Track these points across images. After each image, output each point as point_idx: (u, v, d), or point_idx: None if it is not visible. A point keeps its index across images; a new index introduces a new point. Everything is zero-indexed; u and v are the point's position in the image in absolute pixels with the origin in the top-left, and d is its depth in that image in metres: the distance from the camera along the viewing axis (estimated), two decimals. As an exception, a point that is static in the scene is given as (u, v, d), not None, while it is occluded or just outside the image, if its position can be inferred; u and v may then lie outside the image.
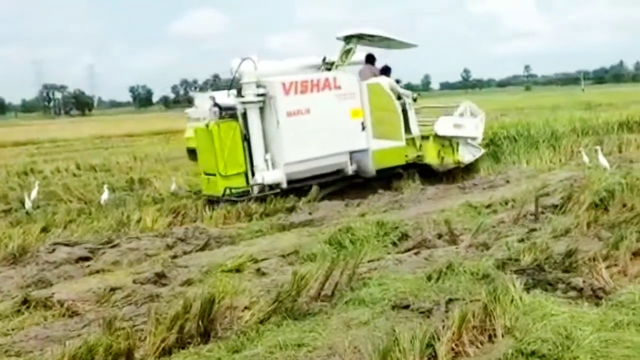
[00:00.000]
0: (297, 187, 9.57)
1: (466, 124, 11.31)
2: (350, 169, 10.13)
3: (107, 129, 39.80)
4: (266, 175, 9.33)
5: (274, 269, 5.99)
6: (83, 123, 61.84)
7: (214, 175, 9.37)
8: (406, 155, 10.73)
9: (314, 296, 4.77)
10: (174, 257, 6.75)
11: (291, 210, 9.00)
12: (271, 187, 9.38)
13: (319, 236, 7.07)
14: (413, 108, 11.00)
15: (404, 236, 6.84)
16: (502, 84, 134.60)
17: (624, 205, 7.77)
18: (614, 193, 8.08)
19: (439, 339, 3.75)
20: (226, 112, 9.58)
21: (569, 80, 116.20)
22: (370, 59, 11.07)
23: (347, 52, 10.33)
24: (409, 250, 6.39)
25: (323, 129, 9.59)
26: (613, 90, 61.64)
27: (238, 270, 5.98)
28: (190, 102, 12.11)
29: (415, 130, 10.92)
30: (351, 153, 10.10)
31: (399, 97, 10.74)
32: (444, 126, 11.16)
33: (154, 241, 7.27)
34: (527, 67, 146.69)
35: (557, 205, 8.11)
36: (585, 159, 11.61)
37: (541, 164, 12.51)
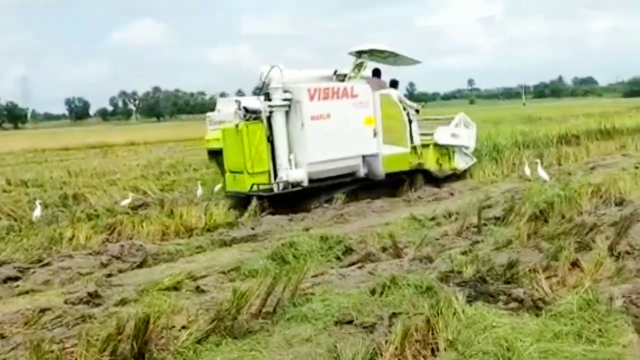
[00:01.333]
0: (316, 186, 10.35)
1: (461, 134, 12.46)
2: (362, 172, 10.95)
3: (41, 142, 38.44)
4: (290, 173, 9.99)
5: (214, 286, 5.88)
6: (15, 136, 59.67)
7: (241, 173, 9.99)
8: (410, 162, 11.64)
9: (255, 313, 4.70)
10: (109, 275, 6.55)
11: (233, 225, 8.91)
12: (293, 185, 10.04)
13: (261, 251, 7.01)
14: (416, 119, 11.88)
15: (348, 250, 6.86)
16: (447, 98, 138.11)
17: (563, 217, 8.07)
18: (554, 205, 8.40)
19: (381, 354, 3.76)
20: (251, 115, 10.19)
21: (511, 94, 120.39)
22: (377, 73, 11.96)
23: (359, 66, 11.37)
24: (353, 264, 6.40)
25: (341, 133, 10.42)
26: (553, 105, 64.24)
27: (176, 288, 5.82)
28: (211, 108, 13.30)
29: (417, 139, 11.79)
30: (364, 157, 10.93)
31: (404, 108, 11.64)
32: (442, 135, 12.20)
33: (87, 259, 7.04)
34: (470, 81, 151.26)
35: (499, 217, 8.34)
36: (527, 171, 12.02)
37: (484, 177, 12.84)
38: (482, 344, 3.88)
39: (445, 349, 3.95)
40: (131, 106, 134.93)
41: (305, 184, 10.13)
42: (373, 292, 5.03)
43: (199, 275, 6.22)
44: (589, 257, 5.78)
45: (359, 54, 11.36)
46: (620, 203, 9.04)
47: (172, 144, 32.68)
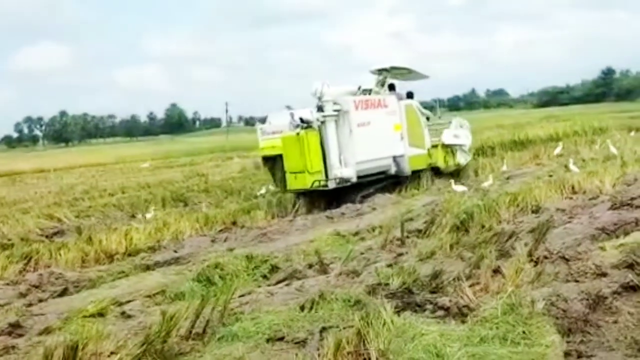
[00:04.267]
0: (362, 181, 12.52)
1: (461, 134, 14.95)
2: (393, 170, 13.27)
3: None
4: (342, 171, 12.14)
5: (140, 311, 5.79)
6: None
7: (303, 172, 12.08)
8: (427, 161, 14.10)
9: (185, 335, 4.67)
10: (29, 305, 6.34)
11: (155, 249, 8.78)
12: (345, 180, 12.15)
13: (186, 274, 6.96)
14: (427, 125, 14.29)
15: (275, 268, 6.92)
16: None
17: (483, 226, 8.49)
18: (473, 215, 8.81)
19: (315, 368, 3.84)
20: (303, 124, 12.25)
21: (426, 107, 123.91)
22: (392, 87, 14.21)
23: (382, 82, 13.90)
24: (280, 282, 6.48)
25: (378, 137, 12.76)
26: (467, 117, 66.90)
27: (101, 314, 5.70)
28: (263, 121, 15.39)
29: (428, 142, 14.19)
30: (394, 157, 13.25)
31: (422, 116, 14.14)
32: (448, 137, 14.63)
33: (4, 290, 6.84)
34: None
35: (421, 230, 8.66)
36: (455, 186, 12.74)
37: (405, 191, 13.25)
38: (413, 351, 4.05)
39: (377, 359, 4.09)
40: (37, 132, 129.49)
41: (354, 180, 12.29)
42: (302, 308, 5.12)
43: (124, 301, 6.13)
44: (509, 264, 6.09)
45: (380, 71, 13.88)
46: (536, 210, 9.62)
47: (83, 169, 31.65)
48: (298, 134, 12.22)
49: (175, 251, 8.62)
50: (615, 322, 4.72)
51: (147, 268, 7.81)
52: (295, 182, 12.35)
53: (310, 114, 12.34)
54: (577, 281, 5.62)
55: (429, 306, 5.23)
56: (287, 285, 6.24)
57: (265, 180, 15.86)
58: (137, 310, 5.80)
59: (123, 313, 5.72)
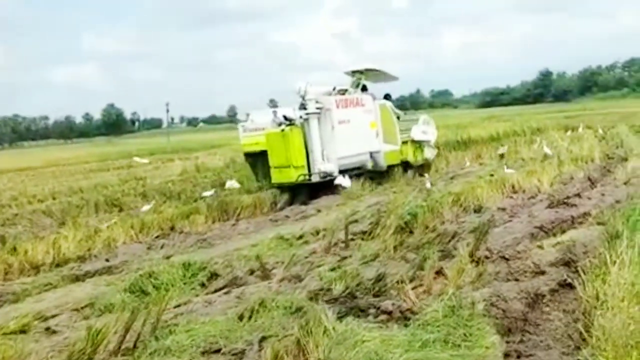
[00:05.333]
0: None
1: (428, 130, 16.30)
2: (369, 165, 14.36)
3: None
4: (324, 166, 12.98)
5: (66, 326, 5.53)
6: None
7: (288, 167, 12.89)
8: (399, 157, 15.31)
9: (114, 351, 4.49)
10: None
11: (85, 258, 8.46)
12: (326, 175, 12.95)
13: (118, 284, 6.72)
14: (398, 123, 15.48)
15: (214, 275, 6.76)
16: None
17: (427, 227, 8.58)
18: (417, 216, 8.89)
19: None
20: (287, 122, 13.01)
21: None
22: (364, 88, 15.20)
23: (356, 83, 14.95)
24: (219, 290, 6.33)
25: (356, 134, 13.77)
26: (413, 118, 67.78)
27: (23, 331, 5.42)
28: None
29: (400, 138, 15.35)
30: (371, 153, 14.35)
31: (393, 115, 15.39)
32: (416, 133, 15.87)
33: None
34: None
35: (366, 231, 8.66)
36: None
37: (350, 192, 13.26)
38: (354, 359, 4.00)
39: (317, 369, 4.03)
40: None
41: (336, 174, 13.09)
42: (241, 317, 5.01)
43: (49, 315, 5.85)
44: (452, 265, 6.18)
45: (355, 73, 15.03)
46: (478, 210, 9.80)
47: (12, 174, 30.33)
48: (283, 130, 12.99)
49: (107, 260, 8.33)
50: (553, 319, 4.81)
51: (76, 279, 7.51)
52: (280, 177, 13.13)
53: (293, 112, 13.24)
54: (516, 280, 5.74)
55: (372, 310, 5.20)
56: (226, 293, 6.11)
57: (212, 182, 15.98)
58: (63, 325, 5.54)
59: (48, 329, 5.46)
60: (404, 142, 15.56)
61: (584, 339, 4.12)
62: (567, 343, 4.32)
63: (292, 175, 12.88)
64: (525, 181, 11.57)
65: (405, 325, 4.73)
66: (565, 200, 9.26)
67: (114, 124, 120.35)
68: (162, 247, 9.11)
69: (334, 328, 4.46)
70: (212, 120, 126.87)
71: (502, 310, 4.88)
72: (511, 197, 10.77)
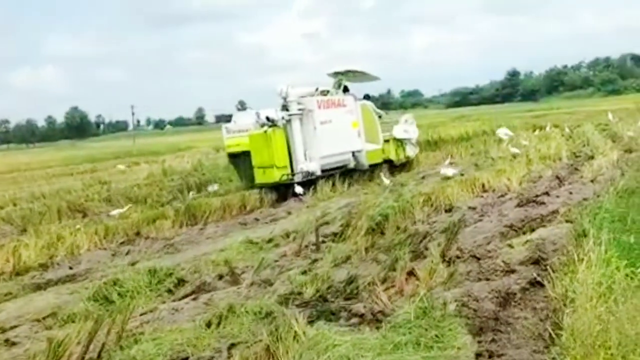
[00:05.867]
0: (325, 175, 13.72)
1: (409, 129, 16.94)
2: (352, 164, 14.76)
3: None
4: (307, 165, 13.35)
5: (27, 337, 5.39)
6: None
7: (271, 167, 13.23)
8: (382, 155, 15.81)
9: (77, 363, 4.37)
10: None
11: (47, 266, 8.26)
12: (309, 174, 13.30)
13: (81, 293, 6.58)
14: (379, 123, 16.10)
15: (181, 282, 6.67)
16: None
17: (398, 227, 8.61)
18: (389, 216, 8.91)
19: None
20: (270, 123, 13.35)
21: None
22: (346, 89, 15.59)
23: (338, 84, 15.34)
24: (186, 296, 6.24)
25: (338, 134, 14.15)
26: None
27: (-20, 344, 5.26)
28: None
29: (382, 138, 15.89)
30: (353, 152, 14.73)
31: (375, 115, 16.03)
32: (398, 131, 16.53)
33: None
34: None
35: (337, 233, 8.66)
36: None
37: (321, 193, 13.24)
38: (324, 364, 3.96)
39: (287, 375, 3.98)
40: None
41: (318, 173, 13.51)
42: (209, 324, 4.94)
43: (9, 326, 5.72)
44: (423, 265, 6.20)
45: (337, 74, 15.43)
46: (449, 210, 9.87)
47: (-29, 181, 29.52)
48: (265, 131, 13.38)
49: (71, 268, 8.17)
50: (524, 318, 4.84)
51: (38, 288, 7.34)
52: (264, 177, 13.54)
53: (276, 113, 13.51)
54: (487, 279, 5.78)
55: (344, 314, 5.20)
56: (194, 299, 6.03)
57: (179, 185, 15.83)
58: (23, 336, 5.40)
59: (7, 340, 5.31)
60: (386, 141, 16.08)
61: (553, 339, 4.15)
62: (537, 342, 4.35)
63: (275, 176, 13.21)
64: (495, 180, 11.70)
65: (377, 328, 4.73)
66: (534, 199, 9.39)
67: (77, 128, 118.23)
68: (127, 253, 8.96)
69: (304, 333, 4.43)
70: (180, 123, 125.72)
71: (473, 310, 4.90)
72: (481, 196, 10.87)
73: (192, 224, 11.08)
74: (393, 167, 16.29)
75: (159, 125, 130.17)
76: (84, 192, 16.66)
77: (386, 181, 13.59)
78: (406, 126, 16.90)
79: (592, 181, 10.79)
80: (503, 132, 20.15)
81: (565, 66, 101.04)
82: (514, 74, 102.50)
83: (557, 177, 11.80)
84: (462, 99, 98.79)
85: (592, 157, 14.24)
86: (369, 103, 16.14)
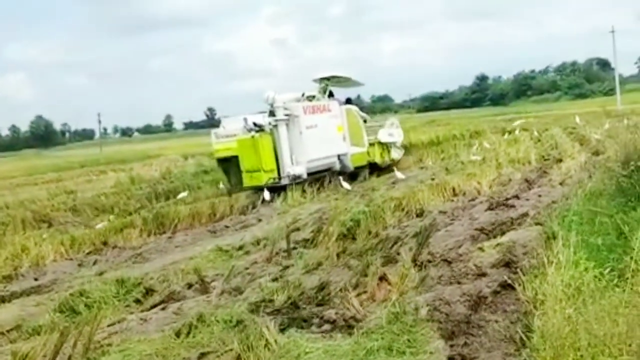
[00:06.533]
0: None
1: (394, 133, 17.83)
2: (337, 167, 15.38)
3: None
4: (294, 169, 13.87)
5: (-10, 352, 5.26)
6: None
7: (258, 171, 13.73)
8: (366, 158, 16.61)
9: (42, 377, 4.29)
10: None
11: (11, 277, 8.10)
12: (296, 177, 13.80)
13: (47, 305, 6.47)
14: (364, 126, 16.87)
15: (149, 291, 6.60)
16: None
17: (370, 233, 8.63)
18: (360, 222, 8.93)
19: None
20: (257, 128, 13.95)
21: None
22: (331, 94, 16.49)
23: (324, 89, 16.18)
24: (155, 306, 6.17)
25: (324, 138, 14.79)
26: (353, 123, 68.40)
27: (-60, 360, 5.12)
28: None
29: (366, 141, 16.63)
30: (338, 155, 15.42)
31: (359, 119, 16.80)
32: (383, 135, 17.35)
33: None
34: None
35: (308, 239, 8.66)
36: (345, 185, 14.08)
37: (292, 199, 13.23)
38: (296, 372, 3.95)
39: (258, 384, 3.96)
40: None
41: (305, 176, 14.02)
42: (178, 334, 4.89)
43: (-29, 341, 5.55)
44: (395, 270, 6.22)
45: (322, 80, 16.22)
46: (420, 214, 9.94)
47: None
48: (253, 137, 13.92)
49: (36, 279, 8.03)
50: (495, 321, 4.89)
51: (2, 300, 7.18)
52: (252, 180, 14.05)
53: (263, 119, 14.23)
54: (459, 283, 5.83)
55: (316, 320, 5.19)
56: (163, 309, 5.97)
57: (148, 194, 15.73)
58: (-14, 350, 5.26)
59: (-31, 356, 5.16)
60: (371, 144, 16.84)
61: (524, 341, 4.19)
62: (509, 345, 4.39)
63: (263, 179, 13.75)
64: (465, 184, 11.83)
65: (349, 334, 4.73)
66: (504, 202, 9.52)
67: (43, 136, 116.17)
68: (94, 263, 8.84)
69: (275, 341, 4.42)
70: (148, 130, 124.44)
71: (445, 314, 4.94)
72: (452, 200, 10.98)
73: (160, 232, 10.96)
74: (379, 170, 17.03)
75: (127, 133, 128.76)
76: (50, 202, 16.39)
77: (346, 186, 13.86)
78: (391, 130, 17.70)
79: (560, 184, 10.99)
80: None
81: (533, 71, 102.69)
82: (482, 79, 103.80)
83: (527, 181, 11.98)
84: (432, 104, 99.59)
85: (560, 160, 14.50)
86: (354, 107, 16.89)
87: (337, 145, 15.45)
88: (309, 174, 14.25)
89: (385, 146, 17.52)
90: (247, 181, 14.15)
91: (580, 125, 23.13)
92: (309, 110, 14.73)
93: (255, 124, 14.06)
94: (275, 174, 13.93)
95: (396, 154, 17.94)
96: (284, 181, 13.82)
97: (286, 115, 14.10)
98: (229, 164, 15.23)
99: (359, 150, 16.25)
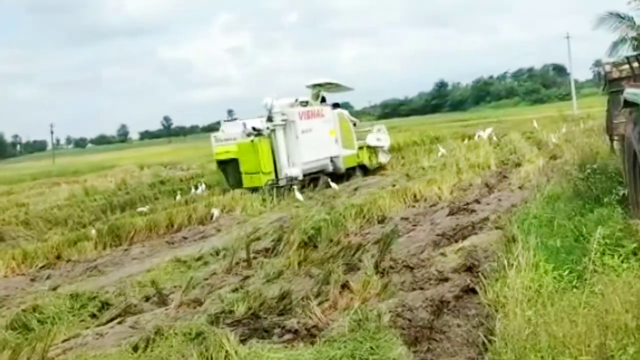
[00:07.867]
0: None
1: (382, 138, 18.98)
2: (330, 168, 16.66)
3: None
4: (290, 171, 14.99)
5: (-63, 373, 5.08)
6: None
7: (257, 173, 14.96)
8: (356, 160, 17.79)
9: (-9, 398, 4.16)
10: None
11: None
12: (292, 178, 14.82)
13: (-2, 322, 6.26)
14: (354, 130, 18.10)
15: (105, 305, 6.48)
16: (209, 129, 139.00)
17: (331, 240, 8.63)
18: (321, 230, 8.94)
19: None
20: (255, 132, 15.24)
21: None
22: (324, 99, 17.75)
23: (316, 95, 17.46)
24: (111, 320, 6.05)
25: (318, 141, 16.03)
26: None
27: None
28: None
29: (356, 144, 17.88)
30: (331, 158, 16.68)
31: (350, 123, 18.11)
32: (372, 140, 18.61)
33: None
34: (230, 112, 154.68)
35: (269, 249, 8.63)
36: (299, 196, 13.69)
37: (252, 209, 13.16)
38: (258, 383, 3.92)
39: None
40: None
41: (301, 177, 15.09)
42: (136, 347, 4.80)
43: None
44: (357, 277, 6.24)
45: (315, 86, 17.55)
46: (382, 221, 10.01)
47: None
48: (252, 140, 15.15)
49: (-15, 296, 7.76)
50: (458, 326, 4.95)
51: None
52: (251, 182, 15.05)
53: (261, 124, 15.37)
54: (421, 289, 5.89)
55: (277, 330, 5.16)
56: (119, 323, 5.86)
57: (102, 205, 15.42)
58: None
59: None
60: (360, 148, 18.06)
61: (486, 345, 4.25)
62: (471, 349, 4.45)
63: (262, 180, 14.80)
64: (426, 189, 11.95)
65: (312, 343, 4.72)
66: (465, 207, 9.67)
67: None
68: (47, 278, 8.65)
69: (236, 352, 4.38)
70: (102, 141, 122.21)
71: (408, 320, 4.98)
72: (413, 206, 11.10)
73: (116, 244, 10.77)
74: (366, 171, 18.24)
75: (80, 144, 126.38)
76: (0, 216, 15.94)
77: (299, 197, 13.79)
78: (379, 135, 18.92)
79: (520, 188, 11.22)
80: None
81: (491, 77, 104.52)
82: (442, 85, 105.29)
83: (487, 185, 12.20)
84: (392, 110, 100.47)
85: (519, 165, 14.81)
86: (345, 112, 18.41)
87: (330, 148, 16.74)
88: (304, 175, 15.28)
89: (374, 150, 18.67)
90: (246, 182, 15.15)
91: (538, 130, 23.64)
92: (305, 115, 16.01)
93: (254, 129, 15.31)
94: (274, 176, 15.01)
95: (383, 158, 19.03)
96: (282, 182, 14.79)
97: (283, 120, 15.25)
98: (228, 166, 16.22)
99: (350, 153, 17.48)
